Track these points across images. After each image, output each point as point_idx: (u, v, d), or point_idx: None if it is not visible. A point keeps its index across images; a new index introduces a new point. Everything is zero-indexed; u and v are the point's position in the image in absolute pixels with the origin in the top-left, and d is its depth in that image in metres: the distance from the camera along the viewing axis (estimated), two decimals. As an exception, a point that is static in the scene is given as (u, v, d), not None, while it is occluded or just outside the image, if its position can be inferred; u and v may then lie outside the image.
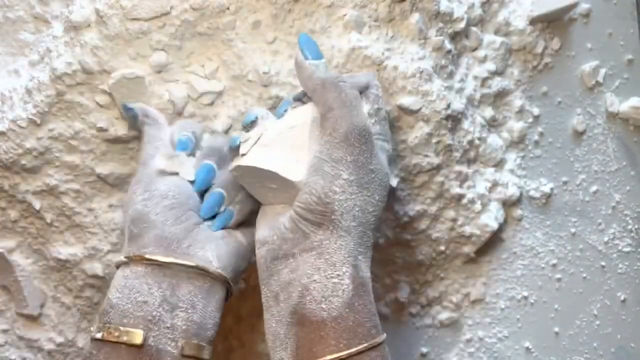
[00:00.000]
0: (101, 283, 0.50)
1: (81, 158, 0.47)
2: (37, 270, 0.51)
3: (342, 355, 0.35)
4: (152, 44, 0.46)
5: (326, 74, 0.41)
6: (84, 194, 0.48)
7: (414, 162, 0.49)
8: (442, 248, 0.53)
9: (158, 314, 0.38)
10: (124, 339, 0.37)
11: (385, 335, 0.38)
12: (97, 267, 0.49)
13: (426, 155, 0.49)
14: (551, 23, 0.57)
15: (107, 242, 0.49)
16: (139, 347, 0.37)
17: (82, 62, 0.46)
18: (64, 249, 0.49)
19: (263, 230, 0.40)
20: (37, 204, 0.49)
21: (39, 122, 0.47)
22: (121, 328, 0.37)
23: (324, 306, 0.36)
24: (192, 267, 0.39)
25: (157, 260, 0.39)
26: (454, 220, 0.52)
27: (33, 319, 0.52)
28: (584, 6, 0.57)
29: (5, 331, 0.53)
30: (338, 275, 0.37)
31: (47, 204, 0.49)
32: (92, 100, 0.46)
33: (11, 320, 0.53)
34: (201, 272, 0.39)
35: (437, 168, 0.49)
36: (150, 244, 0.39)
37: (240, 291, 0.50)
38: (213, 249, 0.41)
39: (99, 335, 0.37)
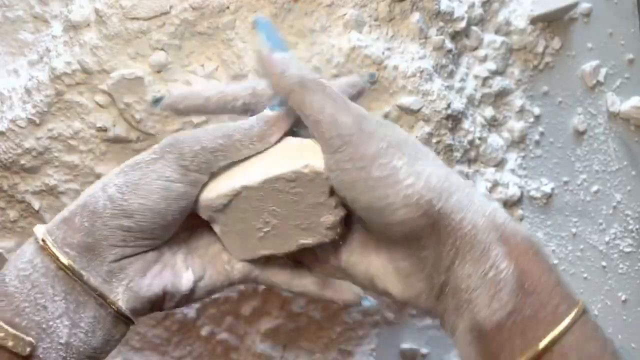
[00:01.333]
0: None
1: (81, 158, 0.47)
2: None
3: (530, 356, 0.29)
4: (152, 44, 0.46)
5: (300, 69, 0.34)
6: (84, 194, 0.48)
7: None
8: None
9: (55, 325, 0.32)
10: (9, 344, 0.30)
11: (581, 302, 0.30)
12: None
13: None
14: (552, 22, 0.57)
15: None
16: (24, 357, 0.31)
17: (81, 62, 0.46)
18: None
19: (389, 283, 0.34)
20: (36, 204, 0.49)
21: (38, 122, 0.47)
22: (9, 329, 0.31)
23: (495, 306, 0.30)
24: (105, 298, 0.33)
25: (74, 270, 0.32)
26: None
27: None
28: (584, 6, 0.57)
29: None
30: (491, 266, 0.30)
31: (46, 204, 0.49)
32: (92, 100, 0.46)
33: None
34: (112, 307, 0.33)
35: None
36: (79, 246, 0.33)
37: (240, 291, 0.50)
38: (139, 285, 0.34)
39: None
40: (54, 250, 0.33)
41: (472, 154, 0.53)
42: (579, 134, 0.57)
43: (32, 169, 0.48)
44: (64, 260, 0.33)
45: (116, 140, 0.47)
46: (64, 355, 0.32)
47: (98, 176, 0.48)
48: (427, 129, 0.48)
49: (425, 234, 0.32)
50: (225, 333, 0.51)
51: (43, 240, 0.33)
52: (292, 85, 0.34)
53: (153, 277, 0.35)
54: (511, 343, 0.29)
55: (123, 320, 0.34)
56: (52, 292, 0.32)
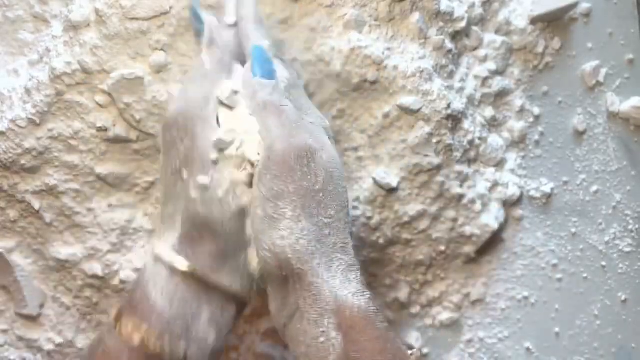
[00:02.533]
0: (101, 283, 0.50)
1: (81, 158, 0.47)
2: (36, 270, 0.51)
3: None
4: (152, 44, 0.46)
5: (271, 96, 0.37)
6: (84, 194, 0.48)
7: (414, 162, 0.49)
8: (443, 248, 0.52)
9: (203, 332, 0.36)
10: (167, 350, 0.35)
11: (412, 353, 0.35)
12: (96, 267, 0.49)
13: (426, 155, 0.49)
14: (552, 23, 0.57)
15: (107, 242, 0.49)
16: None
17: (81, 62, 0.46)
18: (64, 249, 0.49)
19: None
20: (36, 204, 0.49)
21: (38, 122, 0.47)
22: (163, 343, 0.35)
23: None
24: (234, 293, 0.37)
25: (212, 283, 0.37)
26: (455, 220, 0.52)
27: (32, 319, 0.52)
28: (584, 6, 0.57)
29: (4, 331, 0.52)
30: (322, 332, 0.33)
31: (46, 204, 0.49)
32: (92, 100, 0.46)
33: (10, 321, 0.52)
34: (235, 297, 0.38)
35: (437, 168, 0.49)
36: (209, 258, 0.37)
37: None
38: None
39: (137, 340, 0.35)
40: (195, 270, 0.36)
41: (472, 154, 0.53)
42: (579, 134, 0.57)
43: (32, 169, 0.48)
44: (206, 277, 0.36)
45: (116, 140, 0.47)
46: (203, 354, 0.36)
47: (98, 176, 0.48)
48: (427, 129, 0.48)
49: (280, 281, 0.35)
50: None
51: (182, 267, 0.36)
52: (256, 106, 0.37)
53: None
54: None
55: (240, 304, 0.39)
56: (197, 305, 0.36)
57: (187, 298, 0.36)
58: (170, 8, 0.45)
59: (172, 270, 0.36)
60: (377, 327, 0.34)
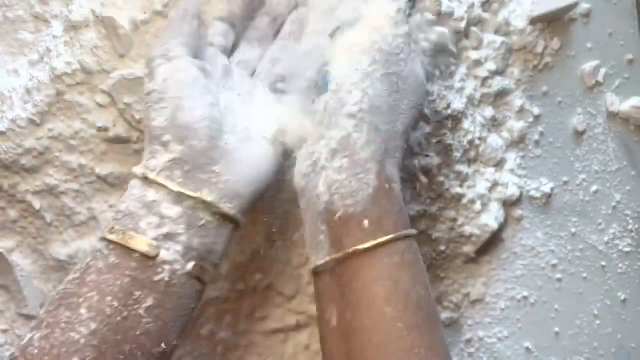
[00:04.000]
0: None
1: (81, 158, 0.47)
2: (36, 271, 0.51)
3: (367, 246, 0.36)
4: (151, 44, 0.46)
5: None
6: (84, 194, 0.48)
7: (414, 162, 0.49)
8: (442, 248, 0.53)
9: (176, 229, 0.38)
10: (138, 246, 0.36)
11: (414, 231, 0.38)
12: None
13: (426, 156, 0.49)
14: (551, 23, 0.57)
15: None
16: (151, 258, 0.37)
17: (81, 62, 0.46)
18: (64, 249, 0.49)
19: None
20: (37, 204, 0.49)
21: (38, 121, 0.47)
22: (136, 235, 0.37)
23: (349, 202, 0.37)
24: (214, 206, 0.38)
25: (184, 193, 0.38)
26: (454, 220, 0.52)
27: (33, 319, 0.52)
28: (584, 6, 0.57)
29: (5, 331, 0.53)
30: (364, 171, 0.37)
31: (47, 204, 0.49)
32: (92, 100, 0.46)
33: (11, 321, 0.52)
34: (218, 210, 0.39)
35: (437, 168, 0.49)
36: (182, 167, 0.38)
37: (240, 291, 0.50)
38: (235, 176, 0.40)
39: (111, 237, 0.37)
40: (160, 181, 0.38)
41: (472, 154, 0.53)
42: (579, 134, 0.57)
43: (33, 168, 0.48)
44: (177, 187, 0.38)
45: (116, 140, 0.47)
46: (184, 255, 0.38)
47: (98, 176, 0.48)
48: (427, 129, 0.48)
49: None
50: (225, 332, 0.51)
51: (143, 175, 0.38)
52: None
53: None
54: (354, 233, 0.37)
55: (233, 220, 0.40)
56: (167, 205, 0.38)
57: (156, 199, 0.38)
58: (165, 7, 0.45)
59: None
60: (399, 198, 0.38)
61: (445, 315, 0.54)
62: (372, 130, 0.38)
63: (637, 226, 0.57)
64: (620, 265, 0.56)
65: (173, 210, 0.38)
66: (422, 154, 0.49)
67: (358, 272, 0.36)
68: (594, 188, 0.57)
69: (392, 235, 0.36)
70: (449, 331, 0.55)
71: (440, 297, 0.55)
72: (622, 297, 0.56)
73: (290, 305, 0.51)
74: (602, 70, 0.57)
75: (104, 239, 0.37)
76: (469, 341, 0.55)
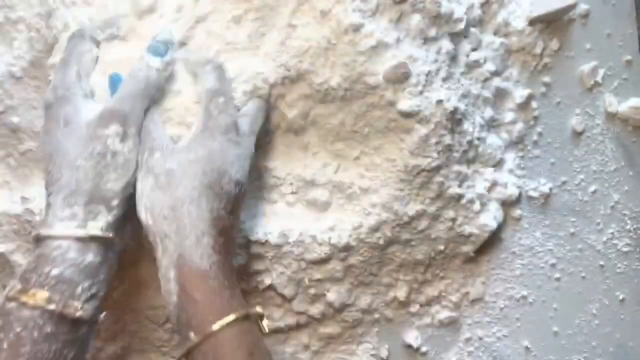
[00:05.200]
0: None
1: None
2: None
3: (183, 352, 0.38)
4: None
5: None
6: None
7: (413, 162, 0.49)
8: (442, 247, 0.53)
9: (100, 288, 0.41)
10: (77, 314, 0.38)
11: (235, 315, 0.38)
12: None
13: (426, 156, 0.49)
14: (550, 24, 0.57)
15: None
16: (86, 321, 0.39)
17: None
18: None
19: None
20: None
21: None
22: (74, 302, 0.38)
23: (169, 312, 0.40)
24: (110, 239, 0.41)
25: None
26: (453, 220, 0.52)
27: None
28: (582, 7, 0.58)
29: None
30: (168, 281, 0.40)
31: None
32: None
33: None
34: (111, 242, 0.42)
35: (437, 168, 0.50)
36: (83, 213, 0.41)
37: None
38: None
39: (50, 307, 0.38)
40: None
41: (471, 154, 0.53)
42: (577, 134, 0.57)
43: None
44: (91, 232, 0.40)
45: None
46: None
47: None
48: (426, 129, 0.48)
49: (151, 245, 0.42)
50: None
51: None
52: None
53: None
54: (179, 341, 0.40)
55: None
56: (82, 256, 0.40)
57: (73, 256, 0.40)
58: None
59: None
60: (208, 283, 0.39)
61: (444, 314, 0.55)
62: (162, 240, 0.40)
63: (635, 226, 0.57)
64: (619, 264, 0.57)
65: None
66: (421, 155, 0.49)
67: None
68: (592, 188, 0.57)
69: (200, 337, 0.38)
70: (448, 330, 0.55)
71: (440, 296, 0.55)
72: (621, 297, 0.56)
73: (290, 305, 0.51)
74: (601, 71, 0.58)
75: (38, 307, 0.37)
76: (468, 340, 0.55)
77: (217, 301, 0.39)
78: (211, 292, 0.39)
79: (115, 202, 0.41)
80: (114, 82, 0.44)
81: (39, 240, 0.40)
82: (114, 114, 0.42)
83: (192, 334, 0.38)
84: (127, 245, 0.43)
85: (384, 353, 0.54)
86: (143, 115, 0.43)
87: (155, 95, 0.44)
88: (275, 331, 0.52)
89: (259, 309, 0.40)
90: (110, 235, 0.41)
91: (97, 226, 0.40)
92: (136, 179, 0.42)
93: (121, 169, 0.41)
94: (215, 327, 0.37)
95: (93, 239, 0.40)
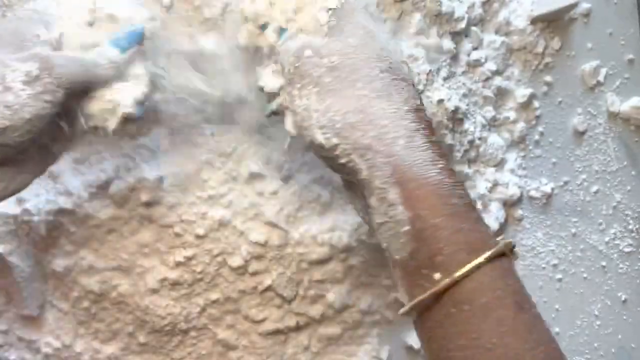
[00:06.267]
0: (98, 298, 0.50)
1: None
2: (35, 273, 0.51)
3: (426, 295, 0.30)
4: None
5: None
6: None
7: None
8: (443, 248, 0.52)
9: None
10: None
11: (493, 250, 0.29)
12: (93, 284, 0.49)
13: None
14: (552, 23, 0.57)
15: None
16: None
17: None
18: (61, 261, 0.49)
19: None
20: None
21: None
22: None
23: (397, 246, 0.31)
24: None
25: None
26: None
27: (32, 319, 0.52)
28: (584, 6, 0.57)
29: (4, 332, 0.52)
30: (388, 206, 0.30)
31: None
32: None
33: (11, 321, 0.52)
34: None
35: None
36: None
37: (240, 291, 0.50)
38: None
39: None
40: None
41: (472, 154, 0.53)
42: (579, 134, 0.57)
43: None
44: None
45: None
46: None
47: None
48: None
49: (340, 169, 0.32)
50: (225, 333, 0.51)
51: None
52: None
53: None
54: (414, 282, 0.30)
55: None
56: None
57: None
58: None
59: None
60: (447, 203, 0.30)
61: (445, 315, 0.54)
62: (363, 155, 0.31)
63: (637, 226, 0.57)
64: (621, 265, 0.56)
65: None
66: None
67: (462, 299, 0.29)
68: (594, 188, 0.57)
69: (449, 278, 0.29)
70: (449, 331, 0.55)
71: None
72: (623, 298, 0.56)
73: (290, 306, 0.51)
74: (603, 70, 0.57)
75: None
76: (469, 341, 0.55)
77: (466, 228, 0.29)
78: (456, 215, 0.29)
79: None
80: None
81: None
82: (40, 57, 0.34)
83: (437, 275, 0.29)
84: None
85: (384, 354, 0.54)
86: (70, 85, 0.35)
87: (91, 83, 0.37)
88: (275, 332, 0.51)
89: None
90: None
91: None
92: (287, 99, 0.33)
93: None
94: (470, 266, 0.28)
95: None
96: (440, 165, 0.30)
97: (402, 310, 0.32)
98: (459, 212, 0.30)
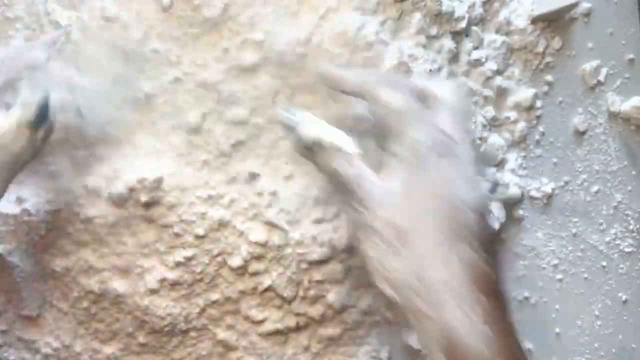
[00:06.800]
0: (98, 298, 0.50)
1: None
2: (35, 273, 0.51)
3: None
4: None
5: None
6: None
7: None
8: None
9: None
10: None
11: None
12: (92, 284, 0.49)
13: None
14: (552, 22, 0.57)
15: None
16: None
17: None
18: (60, 261, 0.49)
19: None
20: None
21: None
22: None
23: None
24: None
25: None
26: (455, 220, 0.52)
27: (32, 319, 0.52)
28: (585, 5, 0.57)
29: (4, 332, 0.52)
30: None
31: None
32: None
33: (10, 321, 0.52)
34: None
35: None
36: None
37: (240, 291, 0.50)
38: None
39: None
40: None
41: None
42: (580, 133, 0.57)
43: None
44: None
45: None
46: None
47: (97, 176, 0.48)
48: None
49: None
50: (225, 333, 0.51)
51: None
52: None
53: None
54: None
55: None
56: None
57: None
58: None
59: None
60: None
61: (445, 315, 0.54)
62: (418, 318, 0.32)
63: (638, 226, 0.57)
64: (622, 265, 0.56)
65: None
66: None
67: None
68: (594, 188, 0.57)
69: None
70: (450, 332, 0.55)
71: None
72: (623, 298, 0.56)
73: (290, 306, 0.51)
74: (603, 70, 0.57)
75: None
76: (469, 342, 0.55)
77: None
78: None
79: None
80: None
81: None
82: None
83: None
84: None
85: (384, 355, 0.54)
86: None
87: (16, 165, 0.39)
88: (275, 333, 0.51)
89: None
90: None
91: None
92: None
93: None
94: None
95: None
96: (492, 338, 0.31)
97: None
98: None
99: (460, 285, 0.31)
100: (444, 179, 0.33)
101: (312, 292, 0.50)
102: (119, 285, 0.49)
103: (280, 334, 0.52)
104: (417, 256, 0.32)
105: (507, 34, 0.56)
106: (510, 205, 0.55)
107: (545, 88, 0.57)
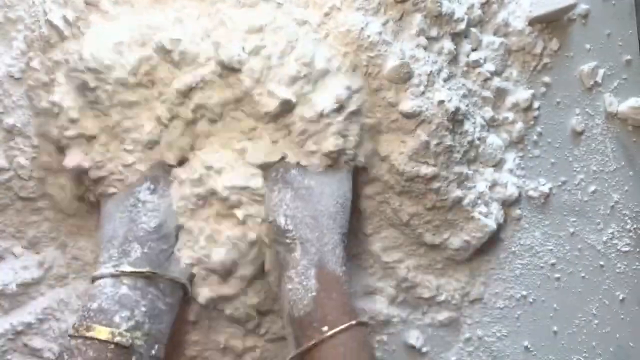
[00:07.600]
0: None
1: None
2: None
3: (314, 342, 0.41)
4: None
5: None
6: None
7: (414, 162, 0.49)
8: (442, 248, 0.53)
9: (142, 319, 0.43)
10: (115, 339, 0.41)
11: (360, 320, 0.43)
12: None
13: (427, 156, 0.49)
14: (550, 24, 0.57)
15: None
16: (127, 347, 0.41)
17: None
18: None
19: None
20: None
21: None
22: (114, 330, 0.41)
23: (300, 306, 0.43)
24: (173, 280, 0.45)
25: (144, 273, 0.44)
26: (454, 220, 0.52)
27: (36, 328, 0.52)
28: (582, 7, 0.58)
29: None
30: (305, 278, 0.44)
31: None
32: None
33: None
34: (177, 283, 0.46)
35: (438, 169, 0.50)
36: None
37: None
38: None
39: (90, 334, 0.41)
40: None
41: (472, 154, 0.53)
42: (577, 134, 0.57)
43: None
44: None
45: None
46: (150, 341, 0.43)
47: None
48: (427, 130, 0.48)
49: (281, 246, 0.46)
50: (225, 334, 0.51)
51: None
52: None
53: None
54: (303, 333, 0.42)
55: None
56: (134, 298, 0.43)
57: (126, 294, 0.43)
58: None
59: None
60: (344, 286, 0.44)
61: (444, 314, 0.55)
62: (303, 243, 0.44)
63: (635, 226, 0.57)
64: (619, 264, 0.57)
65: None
66: (422, 161, 0.49)
67: None
68: (592, 188, 0.57)
69: (334, 330, 0.41)
70: (448, 330, 0.55)
71: (440, 296, 0.55)
72: (621, 297, 0.56)
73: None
74: (600, 71, 0.58)
75: (77, 337, 0.40)
76: (468, 340, 0.55)
77: (349, 304, 0.44)
78: (345, 295, 0.44)
79: (149, 238, 0.44)
80: None
81: (91, 283, 0.44)
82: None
83: (326, 328, 0.42)
84: (175, 279, 0.46)
85: (384, 355, 0.54)
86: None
87: None
88: (278, 338, 0.51)
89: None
90: (144, 270, 0.43)
91: (129, 262, 0.44)
92: (270, 192, 0.46)
93: (151, 212, 0.45)
94: (347, 325, 0.41)
95: (125, 273, 0.43)
96: (344, 268, 0.45)
97: (288, 358, 0.44)
98: (347, 295, 0.44)
99: (337, 234, 0.46)
100: (348, 180, 0.49)
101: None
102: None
103: (283, 340, 0.52)
104: (318, 207, 0.46)
105: (505, 35, 0.56)
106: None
107: (543, 89, 0.57)
